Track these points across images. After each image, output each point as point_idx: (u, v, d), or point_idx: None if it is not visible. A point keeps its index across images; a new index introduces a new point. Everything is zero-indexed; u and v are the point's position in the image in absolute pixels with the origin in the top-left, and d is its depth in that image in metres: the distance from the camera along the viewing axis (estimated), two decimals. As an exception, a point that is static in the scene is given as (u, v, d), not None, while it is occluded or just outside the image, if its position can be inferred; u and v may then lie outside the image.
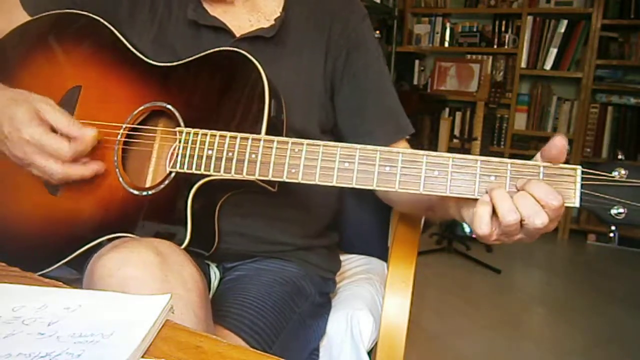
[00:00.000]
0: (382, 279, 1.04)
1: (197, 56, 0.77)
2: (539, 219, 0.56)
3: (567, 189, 0.59)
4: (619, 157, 0.59)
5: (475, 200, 0.60)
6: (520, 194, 0.57)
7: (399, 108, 0.91)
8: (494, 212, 0.58)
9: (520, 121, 3.58)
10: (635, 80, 3.26)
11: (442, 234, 3.05)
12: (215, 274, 0.86)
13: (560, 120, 3.48)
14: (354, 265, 1.10)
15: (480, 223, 0.58)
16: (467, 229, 2.98)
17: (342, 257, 1.08)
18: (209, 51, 0.76)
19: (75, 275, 0.77)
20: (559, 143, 0.58)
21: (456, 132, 3.75)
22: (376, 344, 0.87)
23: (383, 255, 1.14)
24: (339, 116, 0.90)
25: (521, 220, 0.57)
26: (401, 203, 0.87)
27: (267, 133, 0.69)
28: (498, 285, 2.64)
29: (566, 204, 0.59)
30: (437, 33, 3.82)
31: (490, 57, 3.65)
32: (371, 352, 0.88)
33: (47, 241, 0.78)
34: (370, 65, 0.89)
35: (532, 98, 3.56)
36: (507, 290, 2.61)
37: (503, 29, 3.62)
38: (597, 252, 3.25)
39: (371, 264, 1.11)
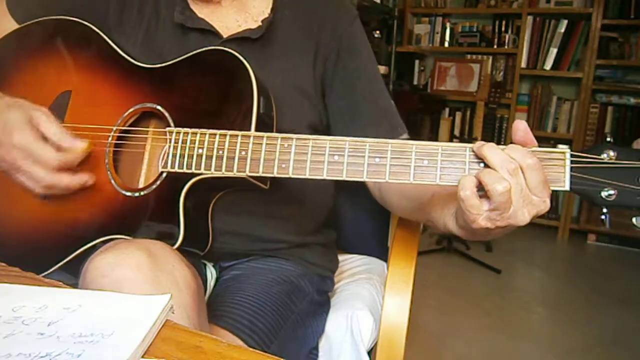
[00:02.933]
0: (382, 279, 1.04)
1: (184, 56, 0.77)
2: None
3: (557, 172, 0.58)
4: (608, 139, 0.59)
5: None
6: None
7: (392, 109, 0.91)
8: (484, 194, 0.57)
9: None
10: (635, 80, 3.26)
11: (442, 234, 3.05)
12: (211, 273, 0.86)
13: (560, 120, 3.48)
14: (354, 265, 1.10)
15: (495, 180, 0.55)
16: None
17: (342, 257, 1.08)
18: (196, 51, 0.76)
19: (72, 280, 0.77)
20: (519, 125, 0.58)
21: (456, 132, 3.75)
22: (376, 344, 0.87)
23: (383, 255, 1.13)
24: (331, 117, 0.90)
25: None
26: (395, 204, 0.86)
27: (257, 130, 0.69)
28: (498, 285, 2.64)
29: (556, 188, 0.58)
30: (437, 33, 3.83)
31: (490, 57, 3.66)
32: (371, 352, 0.89)
33: (41, 246, 0.78)
34: (362, 67, 0.89)
35: (532, 98, 3.56)
36: (507, 290, 2.61)
37: (503, 29, 3.62)
38: (597, 252, 3.25)
39: (371, 264, 1.11)
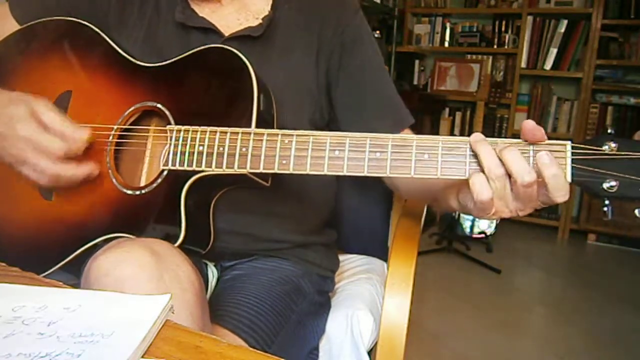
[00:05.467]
0: (382, 279, 1.04)
1: (185, 55, 0.77)
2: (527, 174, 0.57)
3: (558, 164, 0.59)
4: (609, 131, 0.59)
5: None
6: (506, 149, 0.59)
7: (398, 100, 0.91)
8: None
9: (520, 121, 3.57)
10: (635, 80, 3.26)
11: (442, 234, 3.05)
12: (213, 273, 0.86)
13: (560, 120, 3.48)
14: (354, 265, 1.10)
15: (481, 189, 0.58)
16: (467, 229, 2.98)
17: (342, 257, 1.08)
18: (196, 49, 0.76)
19: (73, 280, 0.77)
20: (528, 124, 0.59)
21: (456, 132, 3.75)
22: (376, 344, 0.87)
23: (383, 255, 1.13)
24: (338, 111, 0.89)
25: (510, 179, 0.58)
26: (406, 190, 0.89)
27: (257, 127, 0.69)
28: (498, 285, 2.64)
29: None
30: (437, 33, 3.82)
31: (490, 57, 3.65)
32: (371, 352, 0.89)
33: (44, 245, 0.78)
34: (367, 60, 0.89)
35: (532, 98, 3.56)
36: (507, 290, 2.61)
37: (503, 29, 3.62)
38: (597, 252, 3.25)
39: (371, 263, 1.11)
